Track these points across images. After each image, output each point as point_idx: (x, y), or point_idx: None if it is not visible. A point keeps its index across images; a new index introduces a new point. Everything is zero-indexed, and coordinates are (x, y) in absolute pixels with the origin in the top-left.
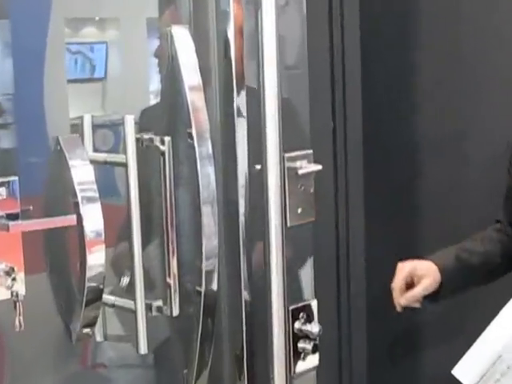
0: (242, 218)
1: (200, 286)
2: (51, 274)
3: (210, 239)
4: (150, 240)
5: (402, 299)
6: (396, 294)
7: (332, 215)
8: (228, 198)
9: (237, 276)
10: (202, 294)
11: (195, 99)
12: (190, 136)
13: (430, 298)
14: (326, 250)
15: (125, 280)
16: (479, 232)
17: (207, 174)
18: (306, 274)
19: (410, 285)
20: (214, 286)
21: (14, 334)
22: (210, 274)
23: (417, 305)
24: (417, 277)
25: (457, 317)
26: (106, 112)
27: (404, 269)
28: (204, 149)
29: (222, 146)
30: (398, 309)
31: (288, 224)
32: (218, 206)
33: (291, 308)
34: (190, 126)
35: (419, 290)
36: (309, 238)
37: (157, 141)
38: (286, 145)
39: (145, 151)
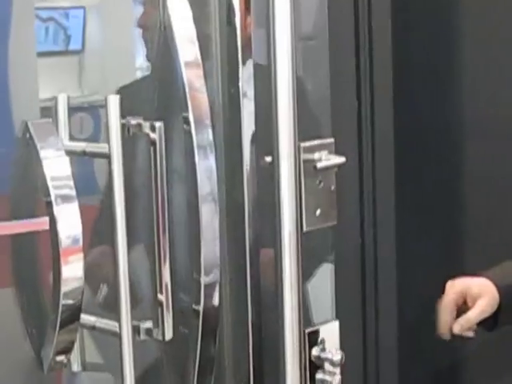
0: (248, 221)
1: (198, 303)
2: (18, 288)
3: (211, 246)
4: (137, 247)
5: (456, 325)
6: (445, 317)
7: (357, 218)
8: (232, 197)
9: (242, 292)
10: (201, 314)
11: (193, 77)
12: (187, 121)
13: (485, 324)
14: (349, 261)
15: (102, 295)
16: None
17: (207, 167)
18: (326, 290)
19: (460, 307)
20: (215, 304)
21: None
22: (210, 288)
23: (470, 334)
24: (471, 297)
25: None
26: (84, 92)
27: (455, 287)
28: (203, 136)
29: (225, 134)
30: (446, 337)
31: (304, 228)
32: (220, 207)
33: (308, 331)
34: (187, 110)
35: (476, 313)
36: (329, 245)
37: (146, 127)
38: (302, 132)
39: (131, 140)
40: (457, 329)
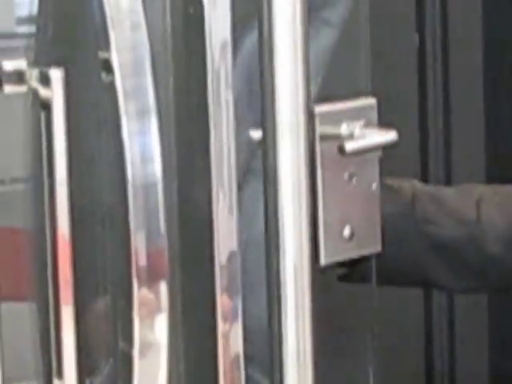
0: (218, 244)
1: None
2: None
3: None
4: None
5: None
6: None
7: None
8: (188, 202)
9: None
10: None
11: None
12: (107, 66)
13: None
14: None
15: None
16: None
17: (144, 144)
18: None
19: None
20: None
21: None
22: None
23: None
24: None
25: None
26: None
27: None
28: (137, 94)
29: (177, 89)
30: None
31: (322, 261)
32: (168, 217)
33: None
34: (107, 46)
35: None
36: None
37: (33, 77)
38: (319, 88)
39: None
40: None
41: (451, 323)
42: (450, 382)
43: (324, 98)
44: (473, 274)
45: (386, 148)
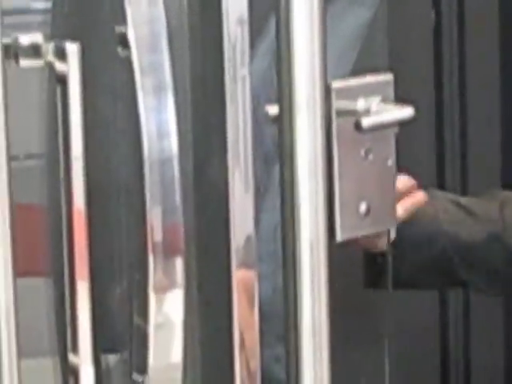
0: (234, 220)
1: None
2: None
3: (165, 261)
4: None
5: None
6: None
7: None
8: (206, 176)
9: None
10: None
11: None
12: (123, 41)
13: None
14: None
15: None
16: None
17: (160, 119)
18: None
19: None
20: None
21: None
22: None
23: None
24: None
25: None
26: None
27: None
28: (152, 67)
29: (194, 64)
30: None
31: (338, 237)
32: (184, 189)
33: None
34: (124, 20)
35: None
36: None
37: (49, 51)
38: (336, 64)
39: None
40: None
41: (467, 317)
42: (465, 377)
43: (339, 74)
44: (497, 272)
45: (403, 124)
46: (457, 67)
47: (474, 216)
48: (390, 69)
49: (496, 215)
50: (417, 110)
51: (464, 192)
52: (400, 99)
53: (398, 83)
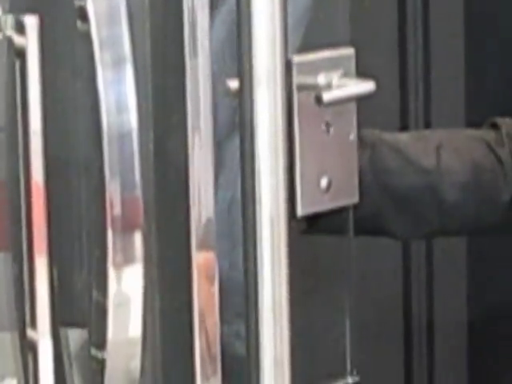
0: (194, 195)
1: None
2: None
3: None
4: None
5: None
6: None
7: None
8: (165, 150)
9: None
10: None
11: None
12: (81, 13)
13: None
14: (384, 274)
15: None
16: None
17: (119, 93)
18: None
19: None
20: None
21: None
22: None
23: None
24: None
25: None
26: None
27: None
28: (112, 41)
29: (153, 37)
30: None
31: (298, 211)
32: (144, 164)
33: None
34: None
35: None
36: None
37: (7, 24)
38: (298, 37)
39: None
40: None
41: (430, 268)
42: (428, 328)
43: (301, 48)
44: (430, 222)
45: (363, 99)
46: (421, 38)
47: (411, 164)
48: (352, 42)
49: (432, 162)
50: (380, 84)
51: None
52: (362, 73)
53: (360, 57)
